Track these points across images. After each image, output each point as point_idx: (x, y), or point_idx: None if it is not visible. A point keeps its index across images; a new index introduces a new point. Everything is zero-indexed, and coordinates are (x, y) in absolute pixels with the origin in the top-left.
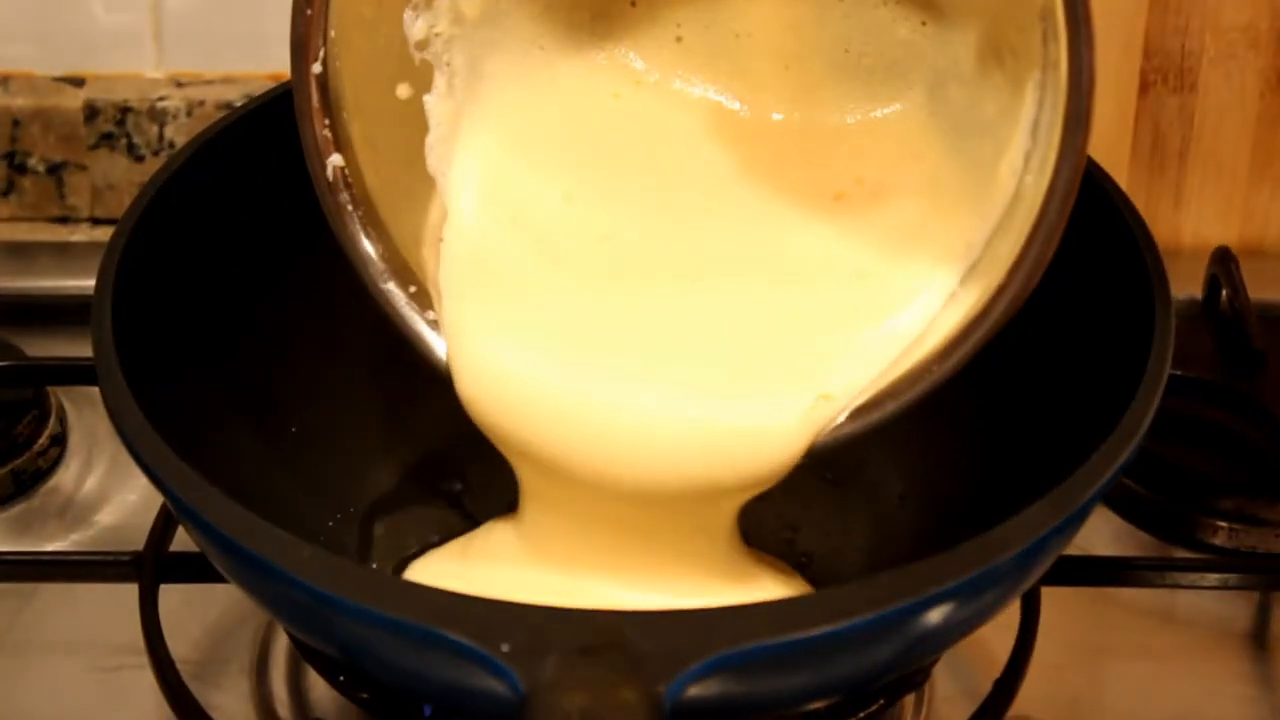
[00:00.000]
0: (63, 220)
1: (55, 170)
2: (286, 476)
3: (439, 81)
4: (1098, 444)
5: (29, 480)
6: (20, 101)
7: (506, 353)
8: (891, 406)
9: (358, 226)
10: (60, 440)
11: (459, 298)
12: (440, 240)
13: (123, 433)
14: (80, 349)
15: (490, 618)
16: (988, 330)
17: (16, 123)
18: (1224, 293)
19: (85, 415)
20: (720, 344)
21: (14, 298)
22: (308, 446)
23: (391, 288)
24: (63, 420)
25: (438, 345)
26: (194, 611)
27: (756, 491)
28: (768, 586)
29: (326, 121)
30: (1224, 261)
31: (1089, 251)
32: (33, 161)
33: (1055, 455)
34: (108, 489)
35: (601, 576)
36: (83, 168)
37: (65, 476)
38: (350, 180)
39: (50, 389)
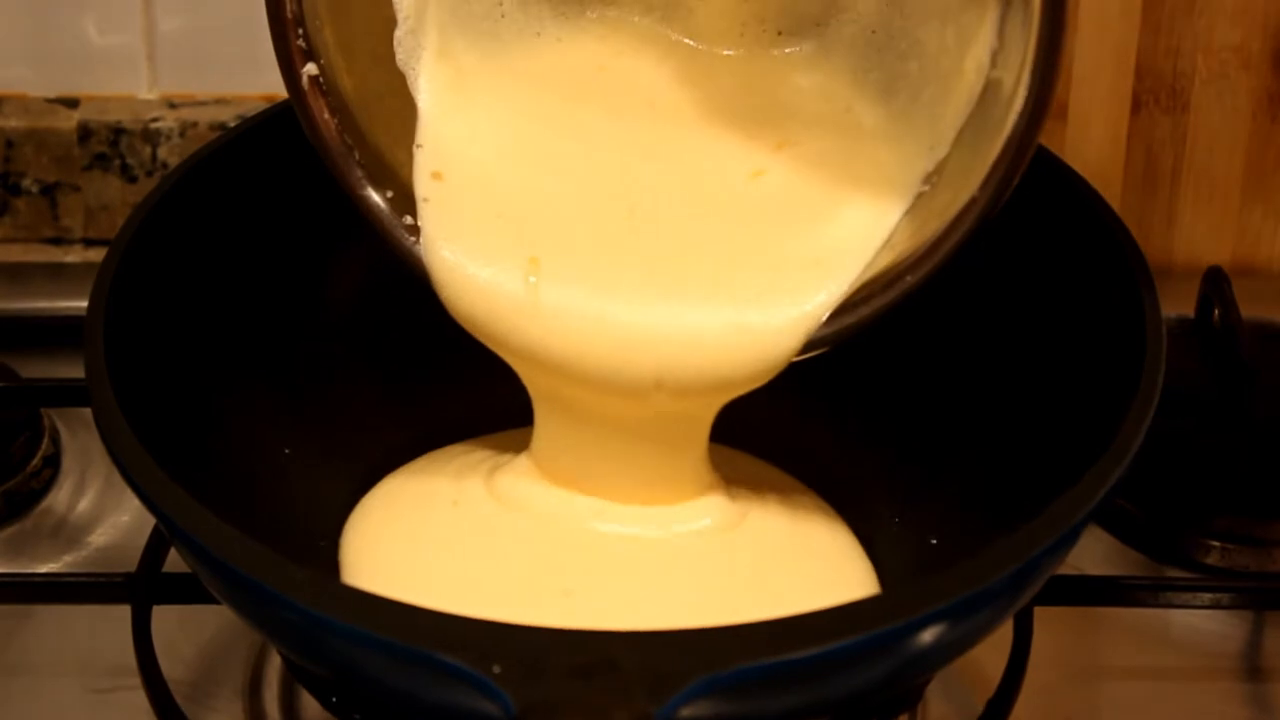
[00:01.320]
0: (56, 241)
1: (49, 191)
2: (280, 497)
3: None
4: (1089, 463)
5: (22, 502)
6: (14, 122)
7: (483, 259)
8: (866, 311)
9: (335, 133)
10: (53, 461)
11: (435, 204)
12: (418, 146)
13: (115, 455)
14: (74, 370)
15: (482, 639)
16: (960, 237)
17: (10, 144)
18: (1216, 312)
19: (79, 436)
20: (698, 256)
21: (7, 319)
22: (302, 467)
23: (370, 194)
24: (56, 441)
25: (416, 249)
26: (187, 632)
27: (743, 391)
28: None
29: (300, 31)
30: (1216, 281)
31: (1082, 271)
32: (26, 182)
33: (1047, 474)
34: (101, 510)
35: (589, 477)
36: (76, 188)
37: (58, 498)
38: (326, 88)
39: (43, 410)
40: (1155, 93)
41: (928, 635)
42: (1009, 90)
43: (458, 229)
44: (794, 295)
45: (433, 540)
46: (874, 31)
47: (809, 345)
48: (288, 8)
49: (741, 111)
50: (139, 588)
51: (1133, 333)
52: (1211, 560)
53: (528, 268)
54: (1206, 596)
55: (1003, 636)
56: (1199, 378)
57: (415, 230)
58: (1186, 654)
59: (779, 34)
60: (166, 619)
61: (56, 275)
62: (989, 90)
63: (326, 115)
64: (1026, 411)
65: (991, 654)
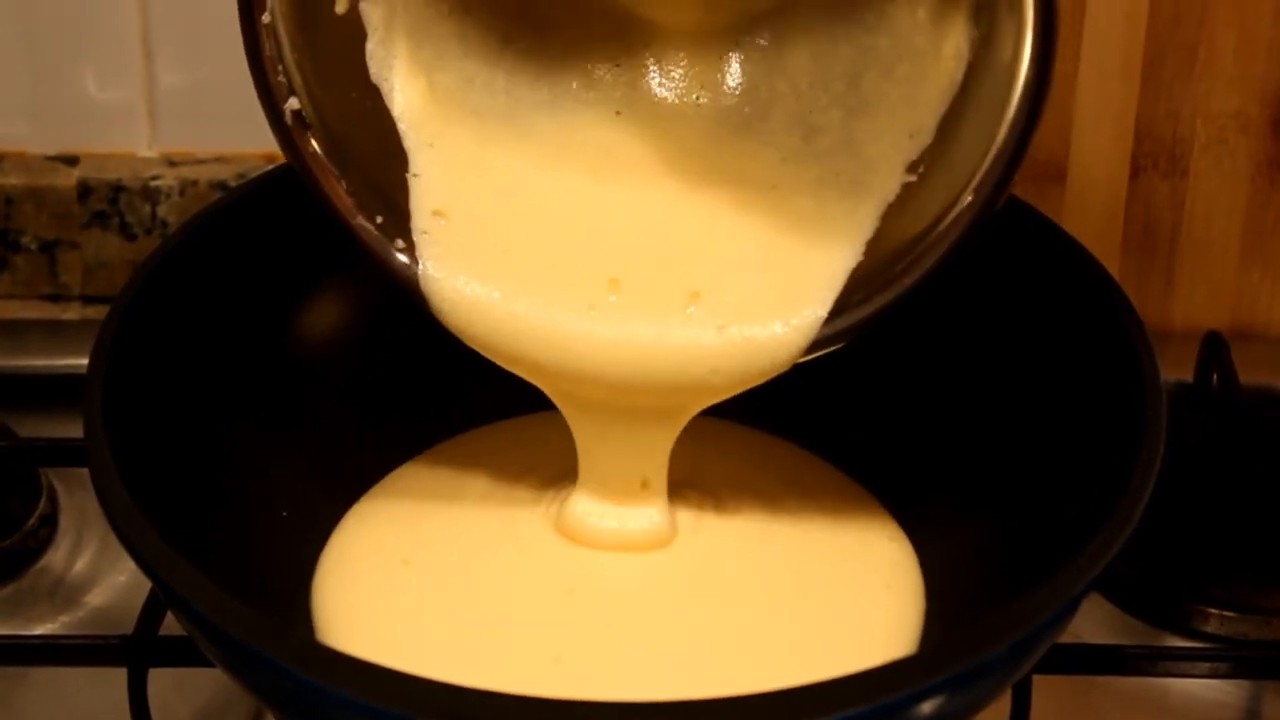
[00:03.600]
0: (54, 298)
1: (48, 248)
2: (278, 560)
3: None
4: (1089, 533)
5: (18, 561)
6: (13, 180)
7: (487, 286)
8: (865, 311)
9: (323, 164)
10: (50, 520)
11: (435, 236)
12: (413, 175)
13: (112, 519)
14: (71, 429)
15: (476, 708)
16: (956, 239)
17: (9, 201)
18: (1215, 377)
19: (76, 495)
20: (698, 280)
21: (4, 376)
22: (299, 530)
23: (361, 222)
24: (53, 500)
25: (409, 272)
26: (184, 694)
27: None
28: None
29: (280, 67)
30: (1215, 346)
31: (1080, 337)
32: (25, 239)
33: (1046, 543)
34: (98, 570)
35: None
36: (75, 246)
37: (55, 557)
38: (309, 120)
39: (41, 468)
40: (1154, 157)
41: (927, 707)
42: (1002, 83)
43: (460, 259)
44: (785, 307)
45: (413, 602)
46: (835, 5)
47: (813, 347)
48: (265, 45)
49: (713, 163)
50: (135, 650)
51: (1133, 400)
52: (1210, 628)
53: (526, 291)
54: (1205, 665)
55: (1001, 704)
56: (1198, 443)
57: (407, 252)
58: None
59: (736, 43)
60: (162, 681)
61: (55, 333)
62: (975, 79)
63: (312, 148)
64: (1024, 479)
65: None
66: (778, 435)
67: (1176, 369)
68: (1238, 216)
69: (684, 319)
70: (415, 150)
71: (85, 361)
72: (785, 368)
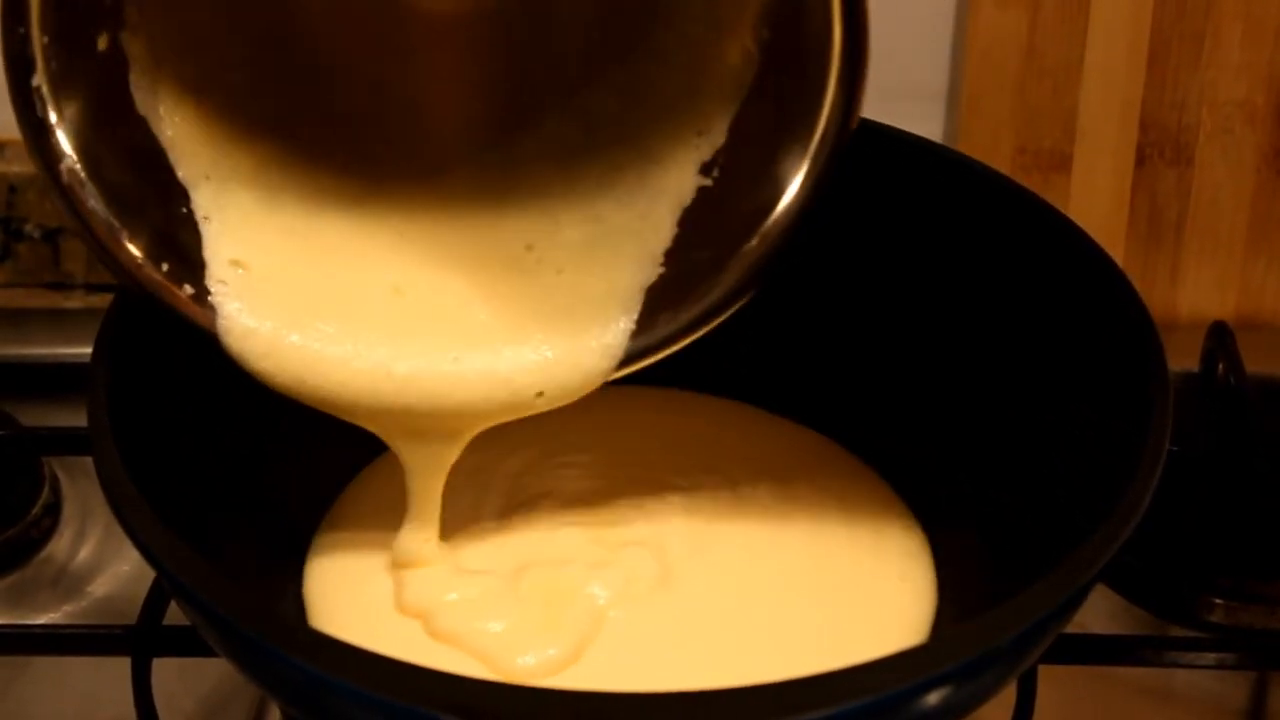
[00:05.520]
0: (57, 286)
1: (51, 236)
2: (283, 551)
3: (130, 12)
4: (1094, 524)
5: (22, 551)
6: (16, 168)
7: (291, 333)
8: (671, 327)
9: (102, 219)
10: (54, 510)
11: (236, 286)
12: (204, 219)
13: (116, 507)
14: (74, 417)
15: (485, 700)
16: (766, 251)
17: (13, 189)
18: (1220, 366)
19: (79, 484)
20: (503, 313)
21: (8, 364)
22: (305, 522)
23: (150, 274)
24: (56, 489)
25: (205, 320)
26: (188, 684)
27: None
28: None
29: (54, 126)
30: (1220, 336)
31: (1085, 326)
32: (28, 227)
33: (1052, 534)
34: (101, 559)
35: None
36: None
37: (58, 546)
38: (85, 175)
39: (43, 457)
40: (1160, 146)
41: (933, 698)
42: (810, 99)
43: (264, 309)
44: (589, 323)
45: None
46: None
47: (625, 361)
48: (36, 107)
49: (500, 205)
50: (139, 640)
51: (1138, 390)
52: (1216, 618)
53: (343, 332)
54: (1211, 655)
55: (1006, 694)
56: (1203, 433)
57: (199, 299)
58: (1190, 712)
59: (497, 36)
60: (166, 671)
61: (57, 321)
62: (774, 86)
63: (91, 204)
64: (1029, 470)
65: (996, 712)
66: (796, 421)
67: (1182, 359)
68: (1243, 205)
69: (470, 354)
70: (193, 184)
71: (88, 350)
72: (578, 394)
